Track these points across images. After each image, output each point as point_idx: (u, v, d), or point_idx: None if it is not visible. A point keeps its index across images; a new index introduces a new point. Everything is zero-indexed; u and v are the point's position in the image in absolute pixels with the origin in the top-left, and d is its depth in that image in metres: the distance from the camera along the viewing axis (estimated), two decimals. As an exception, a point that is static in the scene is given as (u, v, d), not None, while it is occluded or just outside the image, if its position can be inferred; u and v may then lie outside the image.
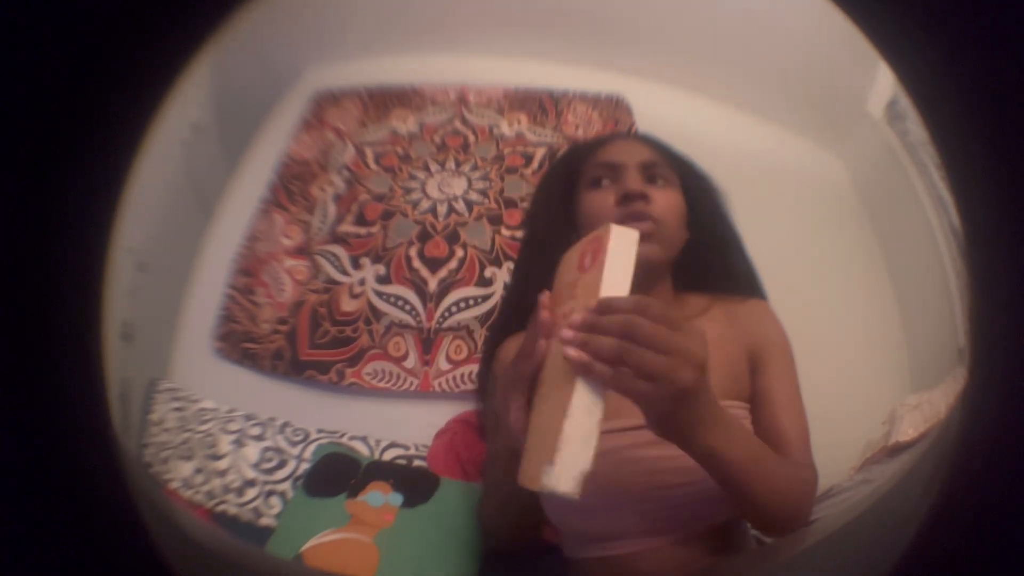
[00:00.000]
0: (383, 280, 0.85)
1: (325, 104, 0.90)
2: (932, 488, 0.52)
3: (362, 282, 0.85)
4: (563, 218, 0.70)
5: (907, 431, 0.64)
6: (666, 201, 0.66)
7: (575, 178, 0.70)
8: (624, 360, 0.45)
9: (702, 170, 0.72)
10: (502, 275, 0.85)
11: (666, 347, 0.46)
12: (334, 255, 0.86)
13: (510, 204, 0.89)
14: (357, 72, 0.90)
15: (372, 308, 0.84)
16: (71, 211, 0.47)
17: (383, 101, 0.92)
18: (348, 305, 0.85)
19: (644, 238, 0.56)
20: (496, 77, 0.91)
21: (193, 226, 0.79)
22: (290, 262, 0.86)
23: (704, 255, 0.69)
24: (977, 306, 0.53)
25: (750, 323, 0.66)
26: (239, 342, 0.82)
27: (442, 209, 0.88)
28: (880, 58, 0.56)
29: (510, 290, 0.80)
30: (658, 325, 0.46)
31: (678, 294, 0.69)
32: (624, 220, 0.63)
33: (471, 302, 0.85)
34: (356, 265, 0.86)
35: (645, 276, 0.57)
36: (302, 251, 0.87)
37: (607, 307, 0.47)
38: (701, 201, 0.70)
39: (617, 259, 0.51)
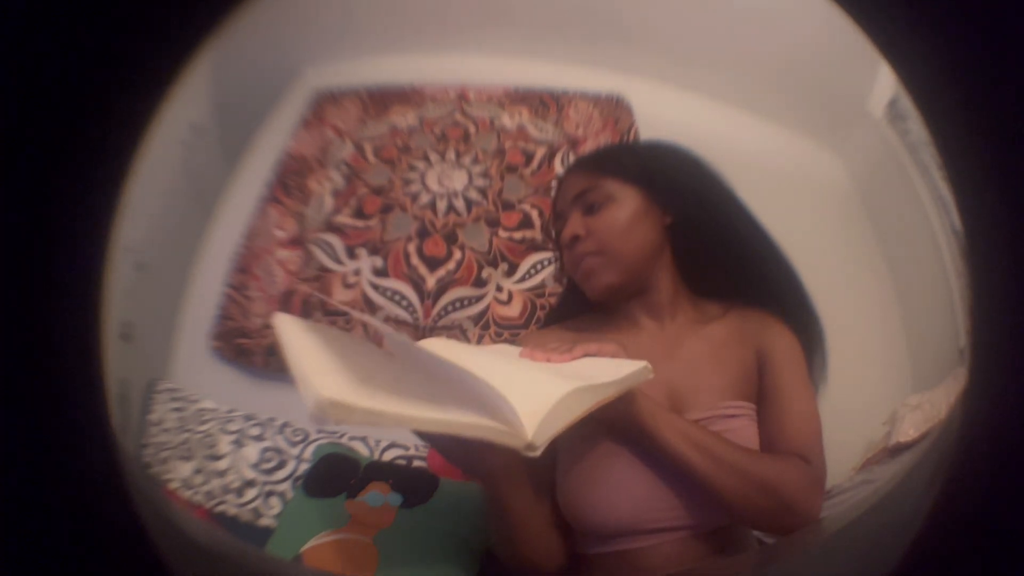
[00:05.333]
0: (380, 273, 0.85)
1: (325, 103, 0.90)
2: (933, 488, 0.52)
3: (357, 272, 0.85)
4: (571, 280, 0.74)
5: (908, 431, 0.64)
6: (600, 225, 0.68)
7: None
8: None
9: (663, 147, 0.73)
10: (496, 276, 0.85)
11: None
12: (328, 243, 0.86)
13: (508, 206, 0.89)
14: (357, 72, 0.90)
15: (367, 300, 0.84)
16: (71, 211, 0.47)
17: (383, 100, 0.91)
18: (341, 295, 0.84)
19: (592, 274, 0.68)
20: (496, 77, 0.91)
21: (192, 226, 0.79)
22: (283, 253, 0.86)
23: (693, 230, 0.70)
24: (977, 306, 0.53)
25: (760, 327, 0.68)
26: (233, 338, 0.82)
27: (441, 205, 0.88)
28: (881, 58, 0.56)
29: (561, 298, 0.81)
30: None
31: (696, 300, 0.71)
32: (572, 263, 0.70)
33: (466, 302, 0.85)
34: (351, 255, 0.86)
35: (617, 297, 0.69)
36: (295, 241, 0.87)
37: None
38: (665, 179, 0.70)
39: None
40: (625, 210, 0.69)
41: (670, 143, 0.73)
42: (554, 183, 0.88)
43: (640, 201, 0.69)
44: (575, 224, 0.69)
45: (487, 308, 0.84)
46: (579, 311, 0.73)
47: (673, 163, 0.72)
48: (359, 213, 0.87)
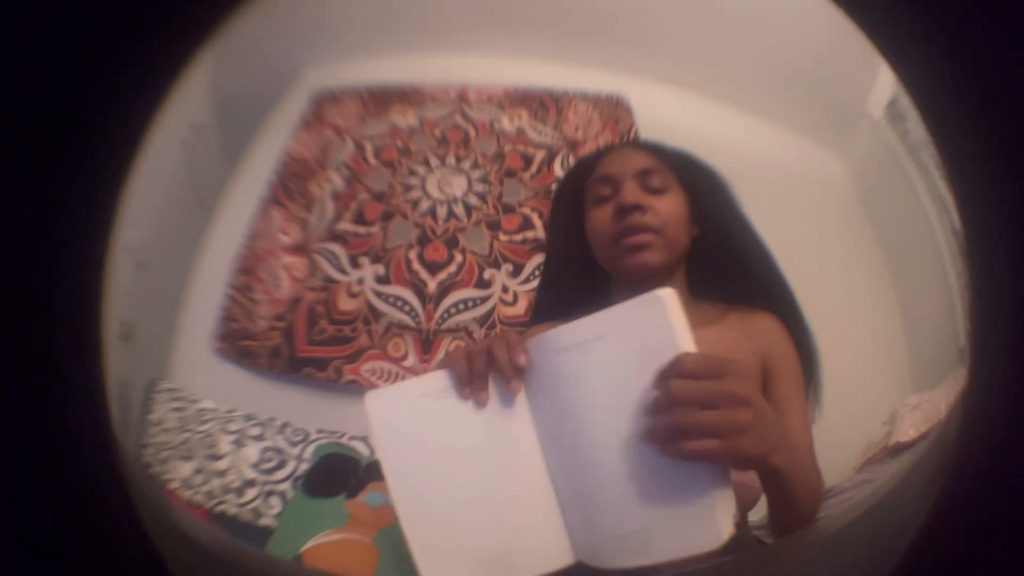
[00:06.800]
0: (382, 280, 0.85)
1: (325, 103, 0.90)
2: (933, 488, 0.52)
3: (360, 281, 0.85)
4: (576, 235, 0.73)
5: (908, 431, 0.64)
6: (665, 208, 0.69)
7: (581, 197, 0.73)
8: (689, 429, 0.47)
9: (704, 163, 0.73)
10: (501, 277, 0.85)
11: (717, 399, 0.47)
12: (332, 253, 0.86)
13: (508, 209, 0.89)
14: (357, 71, 0.90)
15: (371, 308, 0.84)
16: (71, 211, 0.47)
17: (383, 99, 0.92)
18: (346, 304, 0.85)
19: (644, 248, 0.67)
20: (496, 77, 0.91)
21: (193, 226, 0.79)
22: (288, 259, 0.86)
23: (715, 251, 0.71)
24: (977, 306, 0.53)
25: (763, 335, 0.68)
26: (237, 340, 0.82)
27: (441, 212, 0.88)
28: (880, 58, 0.56)
29: (533, 311, 0.82)
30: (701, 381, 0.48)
31: (694, 300, 0.71)
32: (622, 234, 0.68)
33: (470, 303, 0.85)
34: (355, 264, 0.86)
35: (652, 284, 0.63)
36: (300, 248, 0.87)
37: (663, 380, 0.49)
38: (705, 196, 0.72)
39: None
40: (683, 204, 0.70)
41: (706, 162, 0.74)
42: (554, 185, 0.88)
43: (687, 206, 0.70)
44: (637, 194, 0.69)
45: (493, 309, 0.85)
46: (570, 300, 0.72)
47: (712, 184, 0.73)
48: (360, 219, 0.87)
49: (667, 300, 0.51)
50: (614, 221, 0.69)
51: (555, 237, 0.80)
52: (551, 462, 0.55)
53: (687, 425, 0.47)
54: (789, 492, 0.52)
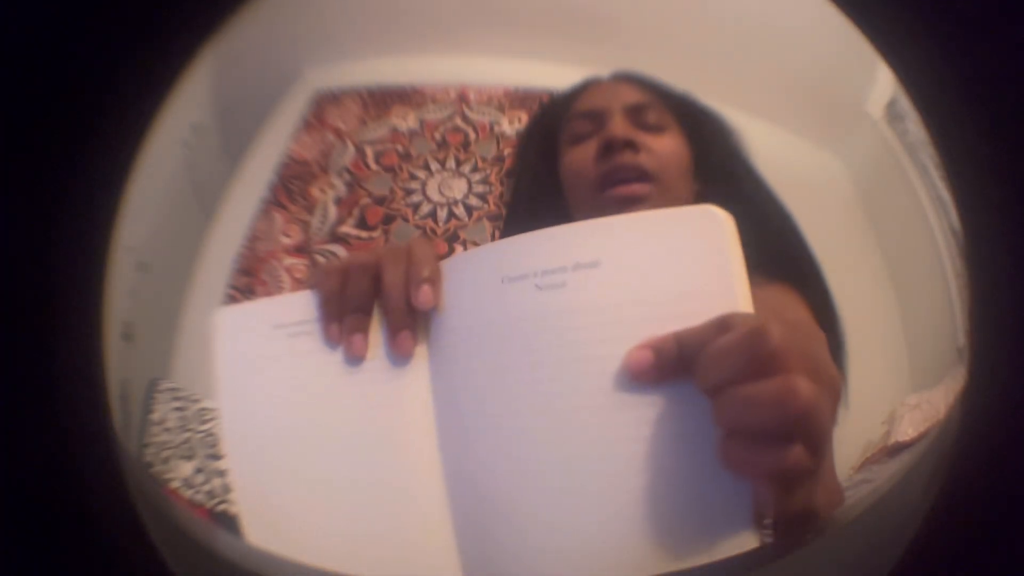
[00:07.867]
0: (383, 280, 0.85)
1: (325, 104, 0.90)
2: (932, 488, 0.52)
3: (362, 283, 0.86)
4: (548, 185, 0.62)
5: (907, 431, 0.64)
6: (663, 148, 0.57)
7: (555, 135, 0.62)
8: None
9: (707, 107, 0.63)
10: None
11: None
12: (334, 255, 0.86)
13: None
14: (357, 72, 0.90)
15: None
16: (72, 211, 0.47)
17: (383, 100, 0.92)
18: (348, 305, 0.85)
19: (636, 203, 0.52)
20: (496, 77, 0.91)
21: (194, 226, 0.79)
22: (289, 260, 0.86)
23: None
24: (977, 306, 0.53)
25: (779, 311, 0.58)
26: (239, 341, 0.82)
27: (442, 214, 0.88)
28: (879, 58, 0.56)
29: None
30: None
31: None
32: (609, 176, 0.55)
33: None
34: (356, 265, 0.86)
35: None
36: (301, 250, 0.87)
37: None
38: (712, 143, 0.61)
39: None
40: (684, 149, 0.59)
41: (714, 110, 0.64)
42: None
43: (688, 152, 0.60)
44: (628, 129, 0.56)
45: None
46: None
47: (719, 131, 0.63)
48: (362, 223, 0.87)
49: (726, 223, 0.30)
50: (598, 161, 0.56)
51: (520, 190, 0.67)
52: (451, 466, 0.33)
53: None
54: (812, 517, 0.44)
